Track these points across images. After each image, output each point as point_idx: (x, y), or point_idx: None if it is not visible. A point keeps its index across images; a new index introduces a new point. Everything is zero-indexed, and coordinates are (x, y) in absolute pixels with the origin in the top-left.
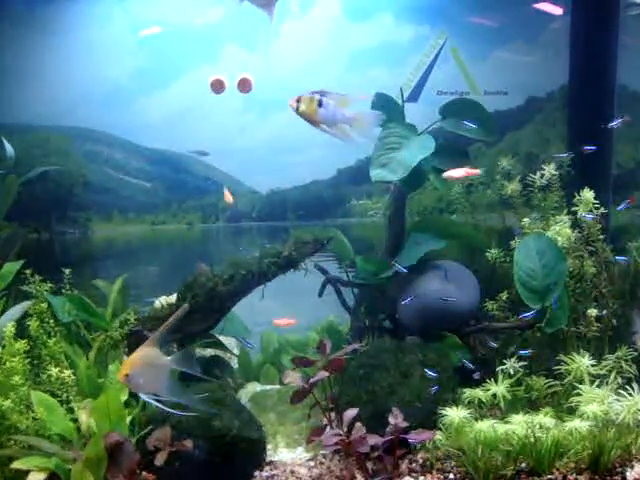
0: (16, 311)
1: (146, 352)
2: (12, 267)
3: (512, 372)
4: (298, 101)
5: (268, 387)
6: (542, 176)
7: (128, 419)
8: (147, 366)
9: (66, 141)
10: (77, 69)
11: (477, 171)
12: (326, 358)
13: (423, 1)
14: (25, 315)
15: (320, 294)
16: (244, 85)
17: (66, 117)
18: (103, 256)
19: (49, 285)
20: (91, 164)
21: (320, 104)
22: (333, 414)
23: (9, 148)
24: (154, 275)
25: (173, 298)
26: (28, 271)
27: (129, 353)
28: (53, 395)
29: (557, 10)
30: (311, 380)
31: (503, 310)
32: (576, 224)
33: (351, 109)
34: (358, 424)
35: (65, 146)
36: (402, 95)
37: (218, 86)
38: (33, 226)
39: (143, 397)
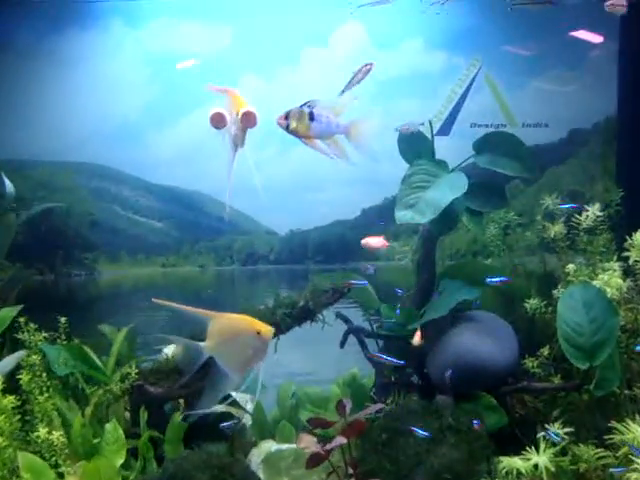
0: (8, 362)
1: None
2: (9, 312)
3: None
4: (287, 118)
5: (284, 446)
6: (587, 217)
7: None
8: None
9: (72, 178)
10: (85, 102)
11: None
12: (345, 420)
13: (456, 27)
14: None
15: (342, 345)
16: (248, 120)
17: (73, 152)
18: (110, 300)
19: (43, 335)
20: (99, 202)
21: (312, 117)
22: None
23: (9, 185)
24: (164, 321)
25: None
26: (22, 319)
27: (132, 410)
28: (43, 457)
29: (597, 38)
30: (327, 446)
31: (545, 368)
32: (628, 271)
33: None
34: None
35: (71, 183)
36: (431, 129)
37: (219, 120)
38: (37, 267)
39: None
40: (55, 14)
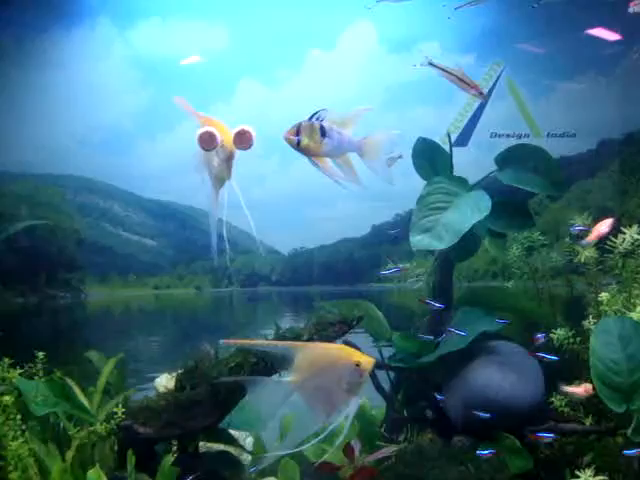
0: None
1: None
2: None
3: None
4: (297, 133)
5: None
6: (624, 240)
7: None
8: None
9: (58, 192)
10: (71, 109)
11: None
12: (354, 464)
13: (474, 27)
14: None
15: None
16: (242, 139)
17: (57, 164)
18: (99, 324)
19: (18, 372)
20: (86, 218)
21: (323, 133)
22: None
23: None
24: (157, 347)
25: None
26: None
27: (120, 452)
28: None
29: (612, 36)
30: None
31: (574, 407)
32: None
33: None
34: None
35: (56, 197)
36: (449, 140)
37: (209, 140)
38: (18, 289)
39: None
40: (36, 12)
